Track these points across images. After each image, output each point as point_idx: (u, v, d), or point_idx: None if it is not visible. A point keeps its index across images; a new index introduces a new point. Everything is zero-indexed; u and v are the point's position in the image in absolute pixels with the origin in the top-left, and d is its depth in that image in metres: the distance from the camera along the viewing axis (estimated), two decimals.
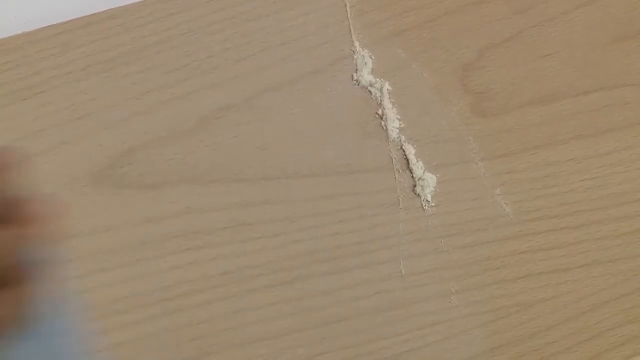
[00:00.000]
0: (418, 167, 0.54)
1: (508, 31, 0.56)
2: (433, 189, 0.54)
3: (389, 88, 0.54)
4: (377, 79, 0.54)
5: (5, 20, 0.49)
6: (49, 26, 0.49)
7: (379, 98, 0.54)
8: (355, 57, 0.54)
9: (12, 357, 0.36)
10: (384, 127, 0.54)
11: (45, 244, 0.39)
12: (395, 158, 0.54)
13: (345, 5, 0.54)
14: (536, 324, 0.54)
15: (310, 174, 0.53)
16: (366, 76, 0.53)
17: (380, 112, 0.54)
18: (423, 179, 0.54)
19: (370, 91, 0.54)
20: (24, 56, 0.49)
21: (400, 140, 0.54)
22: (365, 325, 0.53)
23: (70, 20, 0.49)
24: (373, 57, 0.54)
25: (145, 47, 0.51)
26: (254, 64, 0.52)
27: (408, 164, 0.54)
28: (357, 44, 0.54)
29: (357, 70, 0.54)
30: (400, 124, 0.54)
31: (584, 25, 0.57)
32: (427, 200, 0.54)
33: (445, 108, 0.55)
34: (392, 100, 0.54)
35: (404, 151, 0.54)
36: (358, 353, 0.52)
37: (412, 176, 0.54)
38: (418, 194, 0.54)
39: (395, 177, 0.54)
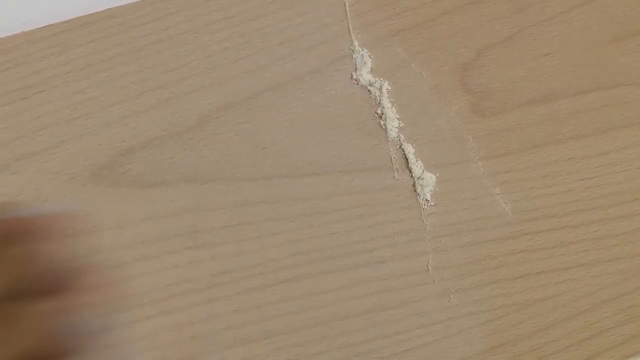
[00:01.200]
0: (417, 167, 0.54)
1: (507, 30, 0.56)
2: (432, 188, 0.54)
3: (388, 87, 0.54)
4: (377, 79, 0.54)
5: (5, 19, 0.49)
6: (48, 25, 0.49)
7: (378, 97, 0.54)
8: (354, 56, 0.54)
9: None
10: (383, 127, 0.54)
11: (99, 313, 0.39)
12: (394, 157, 0.54)
13: (344, 5, 0.54)
14: (535, 323, 0.54)
15: (310, 173, 0.53)
16: (365, 75, 0.53)
17: (379, 111, 0.54)
18: (422, 178, 0.54)
19: (369, 90, 0.54)
20: (24, 55, 0.49)
21: (399, 140, 0.54)
22: (364, 324, 0.53)
23: (70, 19, 0.49)
24: (372, 57, 0.54)
25: (145, 47, 0.51)
26: (253, 63, 0.52)
27: (407, 163, 0.54)
28: (356, 43, 0.54)
29: (356, 69, 0.54)
30: (399, 123, 0.54)
31: (582, 24, 0.57)
32: (426, 200, 0.54)
33: (444, 107, 0.55)
34: (392, 100, 0.54)
35: (403, 150, 0.54)
36: (357, 352, 0.52)
37: (412, 175, 0.54)
38: (417, 193, 0.54)
39: (394, 177, 0.54)
